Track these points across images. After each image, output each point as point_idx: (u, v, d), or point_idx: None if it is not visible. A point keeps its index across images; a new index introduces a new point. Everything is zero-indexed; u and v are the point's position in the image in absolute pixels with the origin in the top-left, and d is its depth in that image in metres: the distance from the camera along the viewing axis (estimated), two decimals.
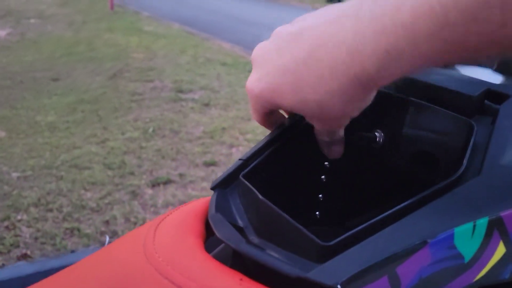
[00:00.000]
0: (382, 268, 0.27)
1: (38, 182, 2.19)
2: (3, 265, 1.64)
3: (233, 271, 0.29)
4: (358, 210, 0.45)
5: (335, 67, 0.30)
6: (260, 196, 0.33)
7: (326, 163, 0.43)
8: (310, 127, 0.38)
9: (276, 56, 0.33)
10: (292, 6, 8.52)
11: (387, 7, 0.27)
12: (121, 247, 0.37)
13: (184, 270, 0.29)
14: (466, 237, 0.30)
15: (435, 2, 0.25)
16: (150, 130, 2.83)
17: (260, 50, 0.34)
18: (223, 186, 0.37)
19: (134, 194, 2.12)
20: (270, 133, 0.40)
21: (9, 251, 1.71)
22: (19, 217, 1.92)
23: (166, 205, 2.05)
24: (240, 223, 0.34)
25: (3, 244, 1.75)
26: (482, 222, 0.30)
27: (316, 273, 0.27)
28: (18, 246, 1.74)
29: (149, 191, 2.16)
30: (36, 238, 1.80)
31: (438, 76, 0.40)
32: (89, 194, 2.12)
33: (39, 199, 2.05)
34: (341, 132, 0.38)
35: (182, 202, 2.05)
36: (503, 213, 0.31)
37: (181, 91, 3.58)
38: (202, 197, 0.40)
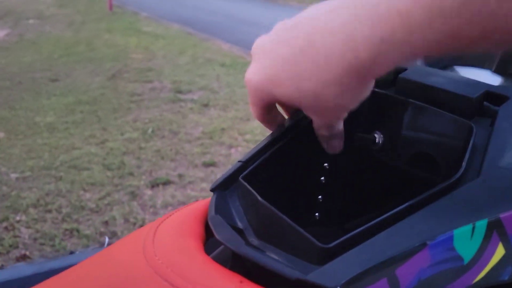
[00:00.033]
0: (382, 270, 0.28)
1: (37, 183, 2.19)
2: (2, 266, 1.63)
3: (233, 273, 0.29)
4: (358, 211, 0.45)
5: (330, 56, 0.30)
6: (260, 198, 0.33)
7: (325, 164, 0.43)
8: (309, 129, 0.39)
9: (275, 47, 0.33)
10: (291, 6, 8.52)
11: None
12: (121, 249, 0.37)
13: (184, 273, 0.29)
14: (465, 239, 0.30)
15: None
16: (149, 130, 2.83)
17: (259, 43, 0.35)
18: (222, 188, 0.37)
19: (134, 195, 2.12)
20: (269, 135, 0.40)
21: (8, 252, 1.71)
22: (18, 218, 1.92)
23: (165, 205, 2.05)
24: (240, 225, 0.34)
25: (2, 245, 1.74)
26: (481, 224, 0.30)
27: (316, 275, 0.27)
28: (17, 247, 1.74)
29: (148, 192, 2.16)
30: (35, 239, 1.79)
31: (437, 78, 0.40)
32: (88, 195, 2.11)
33: (38, 200, 2.05)
34: (340, 126, 0.37)
35: (181, 203, 2.06)
36: (502, 215, 0.31)
37: (180, 92, 3.58)
38: (202, 199, 0.40)
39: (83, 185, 2.18)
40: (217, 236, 0.32)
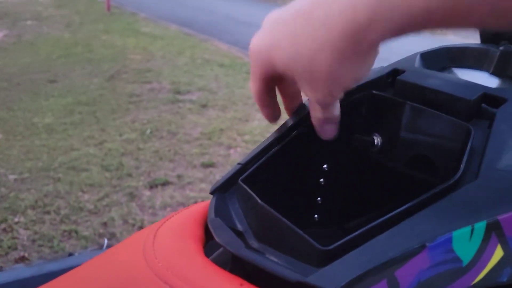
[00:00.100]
0: (381, 272, 0.28)
1: (35, 184, 2.19)
2: (1, 268, 1.63)
3: (233, 276, 0.30)
4: (357, 213, 0.45)
5: (328, 19, 0.30)
6: (259, 201, 0.33)
7: (324, 166, 0.43)
8: (308, 130, 0.39)
9: (281, 19, 0.34)
10: None
11: None
12: (121, 252, 0.37)
13: (184, 275, 0.30)
14: (464, 240, 0.30)
15: None
16: (148, 131, 2.83)
17: (269, 16, 0.36)
18: (222, 191, 0.37)
19: (132, 196, 2.12)
20: (268, 137, 0.40)
21: (6, 254, 1.71)
22: (16, 220, 1.92)
23: (164, 206, 2.05)
24: (240, 227, 0.34)
25: (0, 246, 1.74)
26: (480, 226, 0.30)
27: (316, 277, 0.27)
28: (15, 249, 1.74)
29: (147, 193, 2.16)
30: (33, 241, 1.79)
31: (435, 80, 0.40)
32: (86, 196, 2.11)
33: (36, 201, 2.04)
34: (335, 111, 0.37)
35: (180, 203, 2.05)
36: (500, 217, 0.31)
37: (178, 93, 3.58)
38: (201, 201, 0.40)
39: (81, 186, 2.18)
40: (217, 238, 0.32)
